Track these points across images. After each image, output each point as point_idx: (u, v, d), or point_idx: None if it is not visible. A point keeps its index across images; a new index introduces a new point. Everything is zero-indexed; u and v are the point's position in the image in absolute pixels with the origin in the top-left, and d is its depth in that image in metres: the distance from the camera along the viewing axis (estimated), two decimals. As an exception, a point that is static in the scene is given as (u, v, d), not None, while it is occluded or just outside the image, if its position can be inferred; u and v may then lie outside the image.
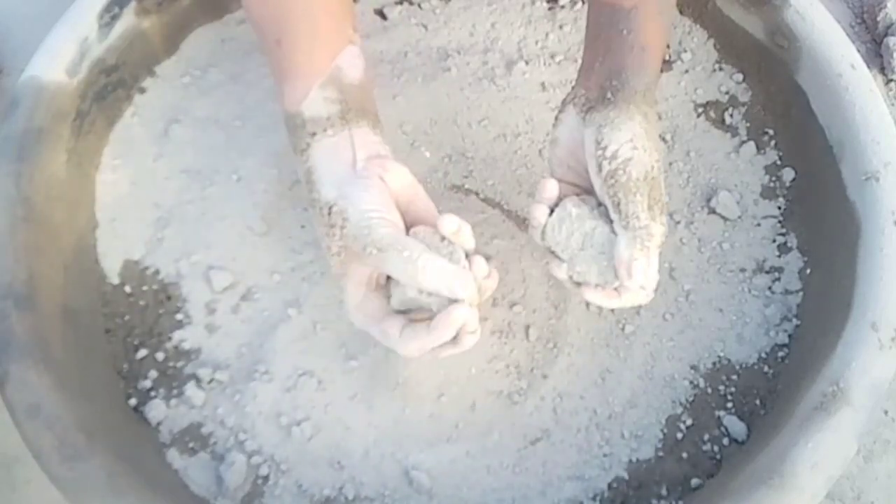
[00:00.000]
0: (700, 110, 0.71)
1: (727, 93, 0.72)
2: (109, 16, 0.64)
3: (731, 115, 0.70)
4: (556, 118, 0.55)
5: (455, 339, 0.49)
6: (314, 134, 0.51)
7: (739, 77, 0.72)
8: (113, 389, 0.58)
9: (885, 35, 0.81)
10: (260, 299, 0.62)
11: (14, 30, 0.80)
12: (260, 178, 0.66)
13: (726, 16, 0.71)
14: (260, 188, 0.66)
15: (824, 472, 0.49)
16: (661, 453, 0.58)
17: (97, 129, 0.65)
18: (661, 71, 0.72)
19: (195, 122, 0.69)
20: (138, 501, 0.48)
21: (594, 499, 0.56)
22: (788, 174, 0.67)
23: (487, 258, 0.63)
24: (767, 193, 0.67)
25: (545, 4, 0.75)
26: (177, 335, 0.61)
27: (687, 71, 0.73)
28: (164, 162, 0.67)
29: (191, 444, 0.57)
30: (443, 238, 0.50)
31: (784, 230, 0.66)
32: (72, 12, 0.64)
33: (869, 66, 0.64)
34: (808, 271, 0.63)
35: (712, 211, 0.66)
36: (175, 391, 0.58)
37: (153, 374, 0.59)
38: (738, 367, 0.61)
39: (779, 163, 0.68)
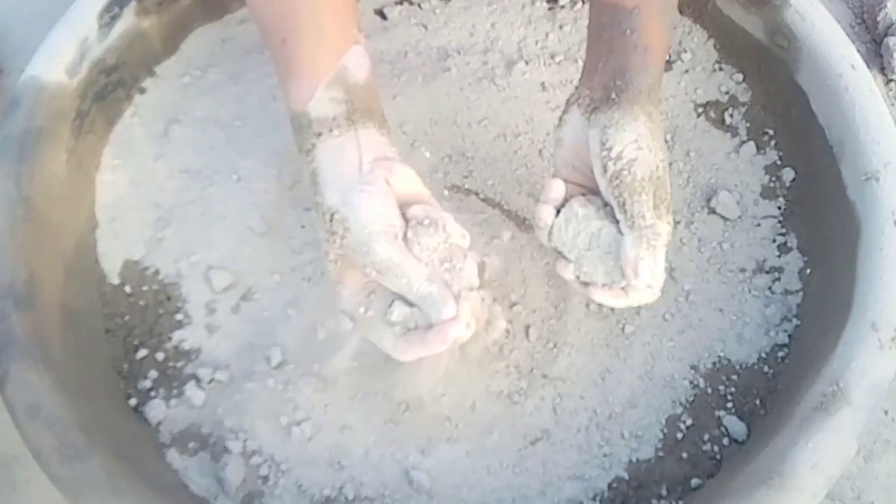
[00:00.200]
0: (700, 110, 0.71)
1: (727, 93, 0.72)
2: (109, 16, 0.64)
3: (731, 115, 0.70)
4: (560, 119, 0.55)
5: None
6: (320, 134, 0.50)
7: (739, 77, 0.72)
8: (113, 389, 0.58)
9: (885, 35, 0.81)
10: (260, 299, 0.62)
11: (14, 30, 0.80)
12: (260, 178, 0.66)
13: (726, 16, 0.71)
14: (260, 188, 0.66)
15: (824, 472, 0.49)
16: (661, 453, 0.58)
17: (97, 129, 0.65)
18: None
19: (195, 122, 0.69)
20: (138, 501, 0.48)
21: (594, 499, 0.56)
22: (788, 174, 0.67)
23: (486, 257, 0.63)
24: (767, 193, 0.67)
25: (545, 4, 0.75)
26: (177, 335, 0.61)
27: (687, 71, 0.73)
28: (164, 162, 0.67)
29: (191, 444, 0.57)
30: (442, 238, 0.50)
31: (784, 230, 0.66)
32: (72, 12, 0.64)
33: (869, 66, 0.64)
34: (808, 271, 0.63)
35: (712, 211, 0.66)
36: (175, 391, 0.58)
37: (153, 374, 0.59)
38: (738, 367, 0.61)
39: (779, 163, 0.68)
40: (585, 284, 0.55)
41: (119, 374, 0.59)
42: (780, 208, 0.67)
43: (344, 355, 0.59)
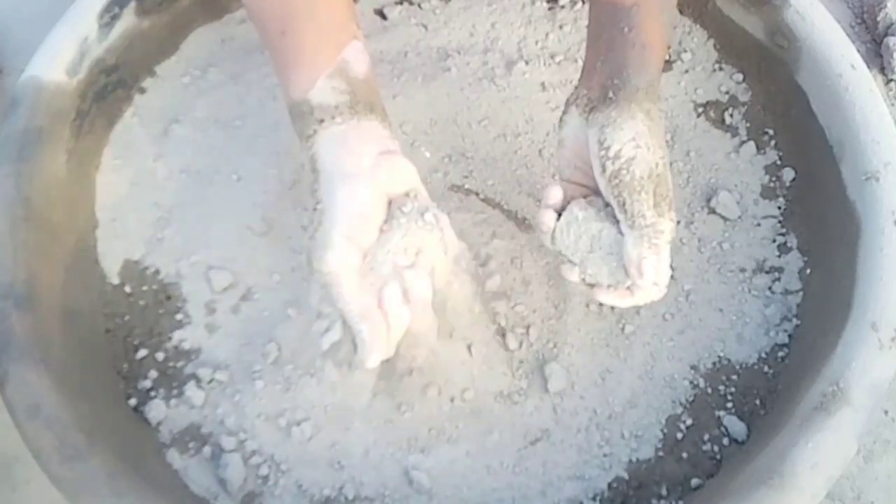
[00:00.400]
0: (700, 110, 0.71)
1: (727, 93, 0.72)
2: (109, 16, 0.64)
3: (731, 115, 0.70)
4: (561, 119, 0.55)
5: None
6: (322, 121, 0.50)
7: (739, 77, 0.72)
8: (113, 389, 0.58)
9: (885, 35, 0.81)
10: (260, 299, 0.62)
11: (14, 30, 0.80)
12: (260, 178, 0.66)
13: (726, 16, 0.71)
14: (260, 188, 0.66)
15: (824, 472, 0.49)
16: (661, 453, 0.58)
17: (97, 129, 0.65)
18: (661, 71, 0.72)
19: (195, 122, 0.69)
20: (138, 501, 0.48)
21: (594, 499, 0.56)
22: (788, 174, 0.67)
23: (487, 258, 0.63)
24: (767, 193, 0.67)
25: (545, 4, 0.75)
26: (177, 335, 0.61)
27: (687, 71, 0.73)
28: (164, 162, 0.67)
29: (191, 444, 0.57)
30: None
31: (784, 230, 0.66)
32: (72, 12, 0.64)
33: (869, 66, 0.64)
34: (808, 271, 0.63)
35: (712, 211, 0.66)
36: (175, 391, 0.58)
37: (153, 374, 0.59)
38: (738, 367, 0.61)
39: (779, 163, 0.68)
40: (591, 286, 0.55)
41: (119, 374, 0.59)
42: (780, 208, 0.67)
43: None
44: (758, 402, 0.59)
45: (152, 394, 0.58)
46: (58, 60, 0.62)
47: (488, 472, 0.57)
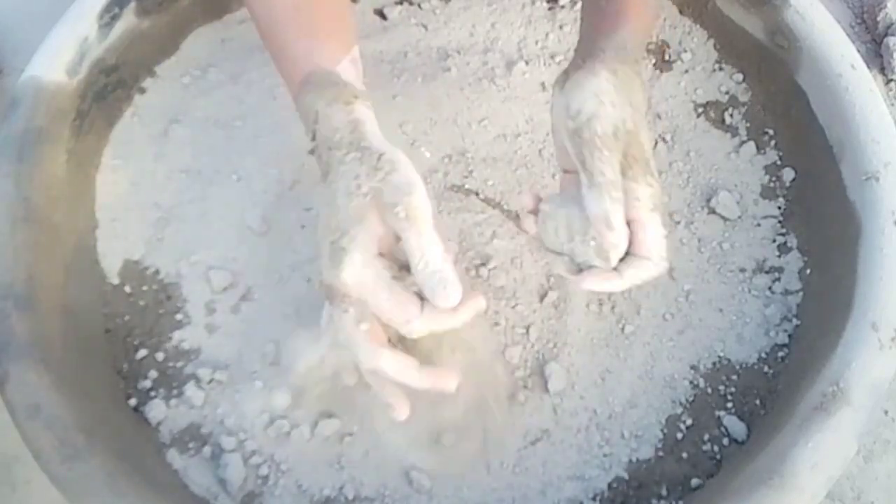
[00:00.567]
0: (700, 110, 0.71)
1: (727, 93, 0.72)
2: (109, 16, 0.64)
3: (731, 115, 0.70)
4: (550, 104, 0.53)
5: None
6: (356, 97, 0.49)
7: (739, 77, 0.72)
8: (113, 389, 0.58)
9: (885, 35, 0.81)
10: (260, 299, 0.62)
11: (14, 30, 0.80)
12: (260, 178, 0.66)
13: (726, 16, 0.71)
14: (260, 188, 0.66)
15: (824, 472, 0.49)
16: (661, 453, 0.58)
17: (97, 129, 0.65)
18: (661, 71, 0.72)
19: (195, 122, 0.69)
20: (138, 501, 0.48)
21: (594, 499, 0.56)
22: (788, 174, 0.67)
23: (487, 258, 0.63)
24: (767, 193, 0.67)
25: (545, 4, 0.75)
26: (177, 335, 0.61)
27: (687, 71, 0.73)
28: (164, 162, 0.67)
29: (191, 444, 0.57)
30: None
31: (784, 230, 0.66)
32: (72, 12, 0.64)
33: (869, 66, 0.64)
34: (808, 271, 0.63)
35: (712, 211, 0.66)
36: (175, 391, 0.58)
37: (153, 374, 0.59)
38: (738, 367, 0.61)
39: (779, 163, 0.68)
40: (581, 271, 0.52)
41: (119, 374, 0.59)
42: (780, 208, 0.67)
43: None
44: (758, 402, 0.59)
45: (152, 394, 0.58)
46: (58, 60, 0.62)
47: (488, 472, 0.57)
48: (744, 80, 0.72)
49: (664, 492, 0.56)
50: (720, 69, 0.72)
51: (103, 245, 0.63)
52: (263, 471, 0.56)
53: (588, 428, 0.58)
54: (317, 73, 0.50)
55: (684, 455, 0.57)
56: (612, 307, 0.62)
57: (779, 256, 0.65)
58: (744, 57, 0.71)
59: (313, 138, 0.49)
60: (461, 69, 0.72)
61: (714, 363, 0.61)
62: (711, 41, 0.73)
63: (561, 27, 0.74)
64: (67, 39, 0.62)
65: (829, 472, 0.49)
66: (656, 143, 0.69)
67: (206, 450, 0.57)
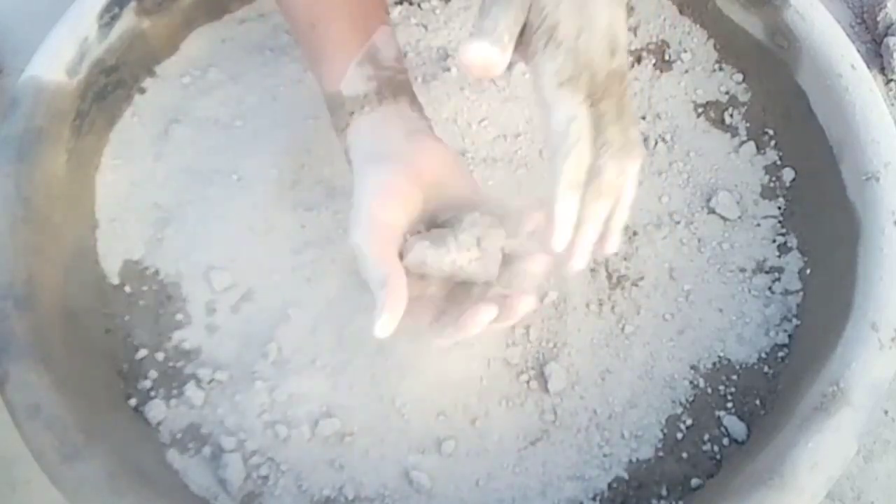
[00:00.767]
0: (700, 110, 0.71)
1: (727, 93, 0.72)
2: (109, 16, 0.64)
3: (731, 115, 0.70)
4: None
5: (503, 315, 0.48)
6: (352, 113, 0.51)
7: (739, 77, 0.72)
8: (113, 389, 0.58)
9: (885, 35, 0.81)
10: (260, 299, 0.62)
11: (14, 30, 0.80)
12: (260, 178, 0.66)
13: (726, 16, 0.71)
14: (260, 188, 0.66)
15: (824, 472, 0.49)
16: (661, 453, 0.58)
17: (97, 129, 0.65)
18: (661, 71, 0.72)
19: (195, 122, 0.69)
20: (138, 501, 0.48)
21: (594, 499, 0.56)
22: (788, 174, 0.67)
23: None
24: (767, 193, 0.67)
25: (545, 4, 0.75)
26: (177, 335, 0.61)
27: (687, 71, 0.73)
28: (164, 162, 0.67)
29: (191, 445, 0.57)
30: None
31: (784, 230, 0.66)
32: (72, 12, 0.64)
33: (869, 66, 0.64)
34: (808, 271, 0.63)
35: (712, 211, 0.66)
36: (175, 391, 0.58)
37: (153, 374, 0.59)
38: (738, 367, 0.61)
39: (779, 163, 0.68)
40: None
41: (119, 374, 0.59)
42: (780, 208, 0.67)
43: (344, 355, 0.59)
44: (758, 402, 0.59)
45: (152, 394, 0.58)
46: (58, 60, 0.62)
47: (488, 472, 0.57)
48: (744, 80, 0.72)
49: (664, 492, 0.56)
50: (720, 69, 0.72)
51: (103, 245, 0.63)
52: (263, 471, 0.56)
53: (588, 428, 0.58)
54: (327, 99, 0.52)
55: (684, 455, 0.58)
56: (612, 307, 0.62)
57: (779, 256, 0.65)
58: (744, 57, 0.71)
59: None
60: (461, 69, 0.72)
61: (714, 363, 0.61)
62: (711, 41, 0.73)
63: (561, 27, 0.74)
64: (67, 39, 0.62)
65: (829, 472, 0.49)
66: (656, 142, 0.69)
67: (206, 450, 0.57)
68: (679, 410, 0.59)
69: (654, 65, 0.72)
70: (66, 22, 0.63)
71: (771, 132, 0.70)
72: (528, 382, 0.60)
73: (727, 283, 0.64)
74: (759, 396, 0.59)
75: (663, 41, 0.74)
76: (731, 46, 0.72)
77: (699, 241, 0.65)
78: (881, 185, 0.58)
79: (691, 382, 0.60)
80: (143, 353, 0.60)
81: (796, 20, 0.65)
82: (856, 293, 0.55)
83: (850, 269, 0.57)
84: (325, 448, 0.57)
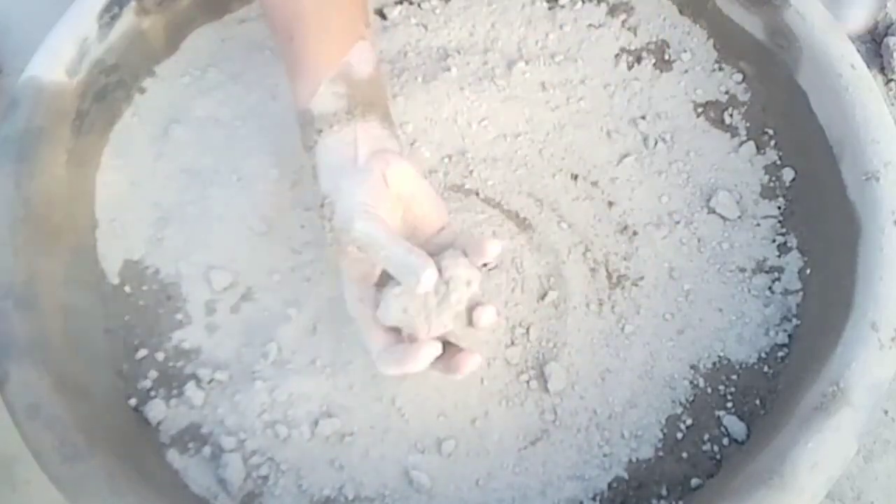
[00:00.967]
0: (700, 110, 0.71)
1: (727, 93, 0.72)
2: (109, 16, 0.64)
3: (731, 115, 0.70)
4: None
5: (451, 367, 0.50)
6: (321, 131, 0.51)
7: (739, 77, 0.72)
8: (113, 389, 0.58)
9: (885, 35, 0.81)
10: (260, 299, 0.62)
11: (14, 30, 0.80)
12: (260, 178, 0.66)
13: (726, 16, 0.71)
14: (260, 188, 0.66)
15: (824, 472, 0.49)
16: (661, 453, 0.58)
17: (97, 129, 0.65)
18: (661, 71, 0.72)
19: (195, 122, 0.69)
20: (138, 501, 0.48)
21: (594, 499, 0.56)
22: (788, 174, 0.67)
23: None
24: (767, 193, 0.67)
25: (545, 4, 0.75)
26: (177, 335, 0.61)
27: (687, 71, 0.73)
28: (164, 162, 0.67)
29: (191, 444, 0.57)
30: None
31: (784, 230, 0.66)
32: (72, 12, 0.64)
33: (869, 66, 0.64)
34: (808, 271, 0.63)
35: (712, 211, 0.66)
36: (175, 391, 0.58)
37: (153, 374, 0.59)
38: (738, 367, 0.61)
39: (779, 163, 0.68)
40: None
41: (119, 374, 0.59)
42: (780, 208, 0.67)
43: (344, 355, 0.59)
44: (758, 402, 0.59)
45: (152, 394, 0.58)
46: (58, 60, 0.62)
47: (488, 472, 0.57)
48: (744, 80, 0.72)
49: (664, 492, 0.56)
50: (720, 69, 0.72)
51: (103, 245, 0.63)
52: (263, 471, 0.56)
53: (588, 428, 0.58)
54: (298, 115, 0.52)
55: (684, 455, 0.58)
56: (612, 307, 0.62)
57: (779, 256, 0.65)
58: (744, 57, 0.71)
59: None
60: (461, 69, 0.72)
61: (714, 363, 0.61)
62: (711, 41, 0.73)
63: (561, 27, 0.74)
64: (67, 39, 0.62)
65: (829, 472, 0.49)
66: (656, 142, 0.69)
67: (206, 450, 0.57)
68: (679, 410, 0.59)
69: (654, 65, 0.72)
70: (65, 22, 0.63)
71: (771, 132, 0.70)
72: (527, 382, 0.60)
73: (727, 283, 0.64)
74: (759, 396, 0.59)
75: (663, 41, 0.74)
76: (731, 46, 0.72)
77: (699, 240, 0.65)
78: (881, 184, 0.58)
79: (691, 382, 0.60)
80: (143, 353, 0.60)
81: (796, 20, 0.65)
82: (856, 293, 0.55)
83: (850, 268, 0.57)
84: (325, 448, 0.57)
